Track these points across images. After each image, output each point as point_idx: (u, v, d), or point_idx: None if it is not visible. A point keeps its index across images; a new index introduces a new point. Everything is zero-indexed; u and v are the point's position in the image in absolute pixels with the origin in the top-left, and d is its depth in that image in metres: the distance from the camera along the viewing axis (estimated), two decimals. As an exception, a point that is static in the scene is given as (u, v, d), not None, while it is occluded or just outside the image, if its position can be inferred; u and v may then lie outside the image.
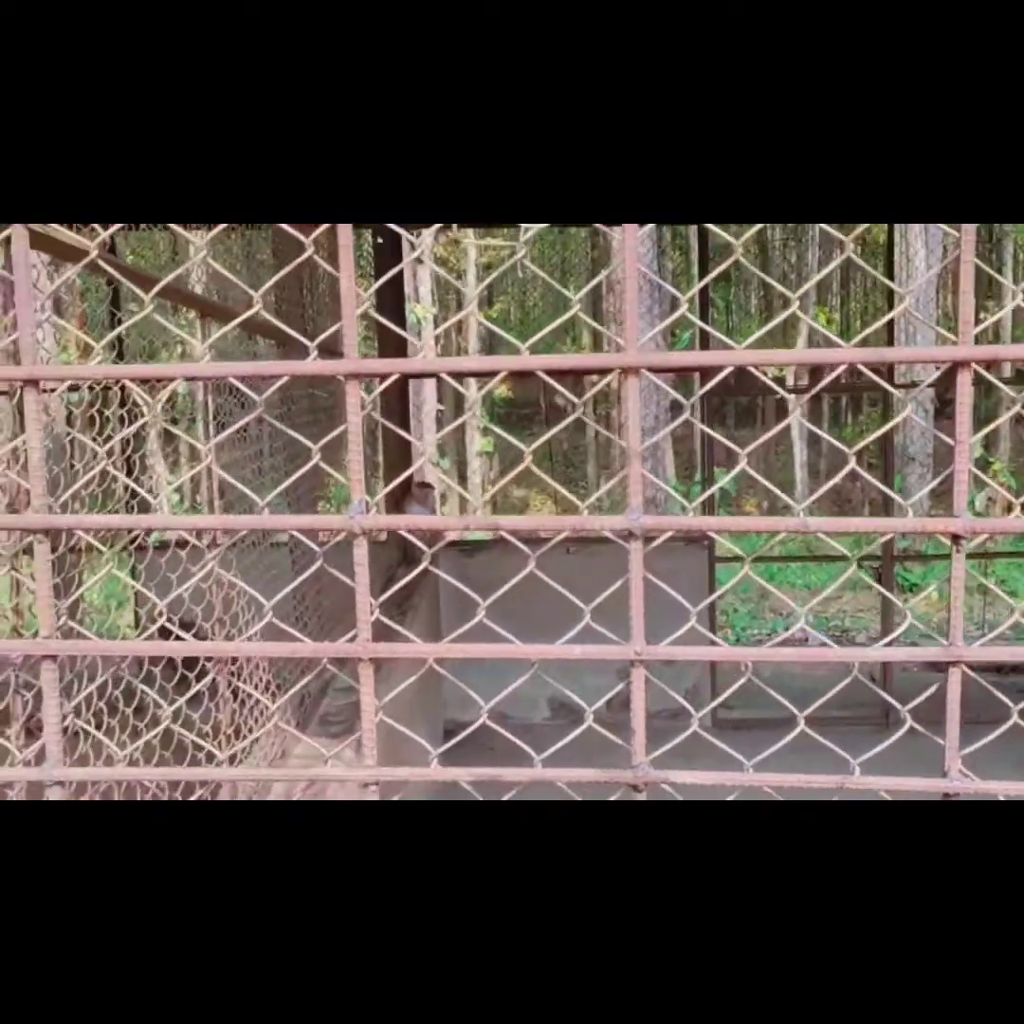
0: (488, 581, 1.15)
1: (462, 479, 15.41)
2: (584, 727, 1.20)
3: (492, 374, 1.19)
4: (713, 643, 1.21)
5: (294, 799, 2.62)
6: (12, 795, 1.94)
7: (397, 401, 6.15)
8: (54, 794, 1.07)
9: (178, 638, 2.46)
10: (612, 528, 1.05)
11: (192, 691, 1.69)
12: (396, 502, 5.56)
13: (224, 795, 2.52)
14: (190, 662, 2.47)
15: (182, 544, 2.90)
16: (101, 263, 1.29)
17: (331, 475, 4.61)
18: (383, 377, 1.17)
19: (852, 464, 1.12)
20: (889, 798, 1.13)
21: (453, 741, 1.47)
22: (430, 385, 13.73)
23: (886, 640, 1.24)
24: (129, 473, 4.80)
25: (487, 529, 1.09)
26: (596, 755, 1.22)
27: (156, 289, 1.27)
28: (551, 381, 1.17)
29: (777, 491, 1.26)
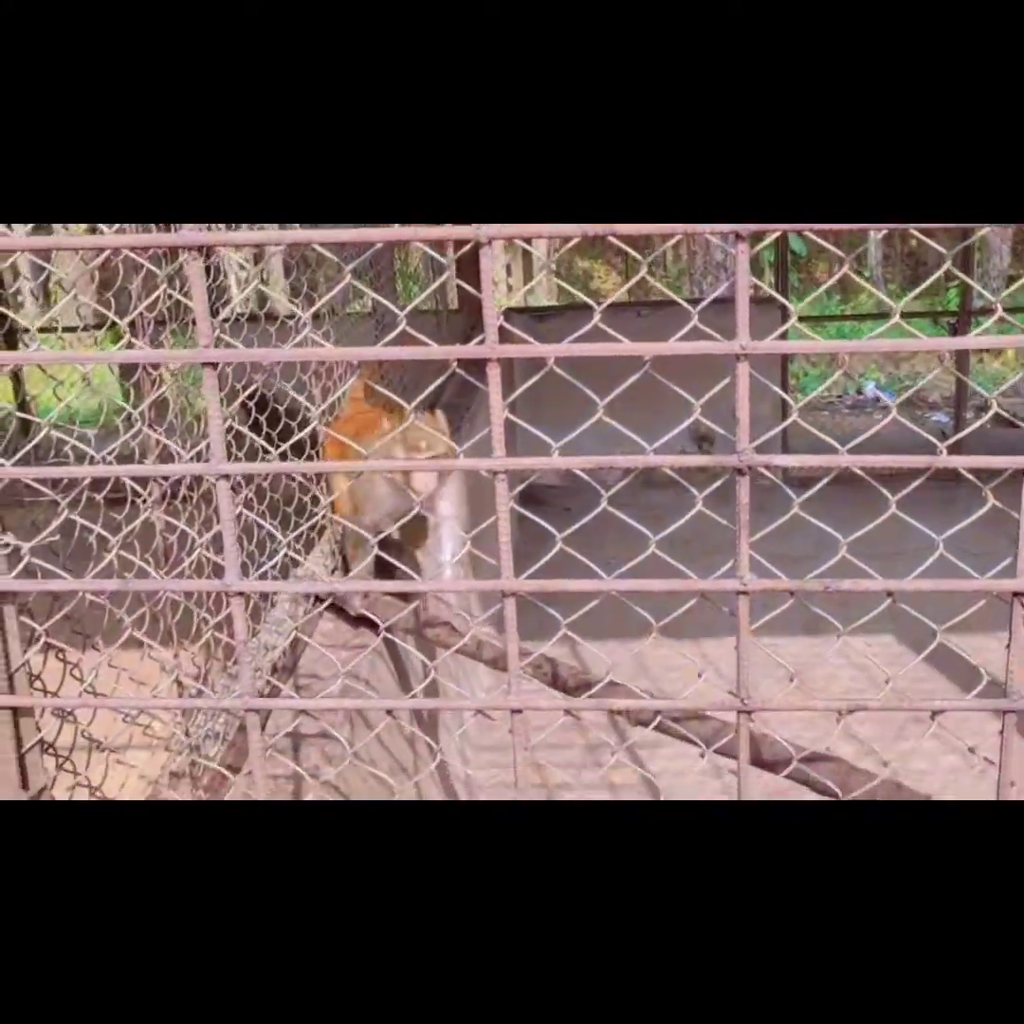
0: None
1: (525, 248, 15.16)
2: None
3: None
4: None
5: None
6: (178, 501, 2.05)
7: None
8: (222, 487, 1.21)
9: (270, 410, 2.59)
10: (722, 231, 1.11)
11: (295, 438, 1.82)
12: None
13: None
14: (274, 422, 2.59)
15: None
16: None
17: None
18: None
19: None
20: (973, 479, 1.22)
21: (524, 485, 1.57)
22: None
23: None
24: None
25: (578, 234, 1.13)
26: (668, 517, 1.33)
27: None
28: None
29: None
